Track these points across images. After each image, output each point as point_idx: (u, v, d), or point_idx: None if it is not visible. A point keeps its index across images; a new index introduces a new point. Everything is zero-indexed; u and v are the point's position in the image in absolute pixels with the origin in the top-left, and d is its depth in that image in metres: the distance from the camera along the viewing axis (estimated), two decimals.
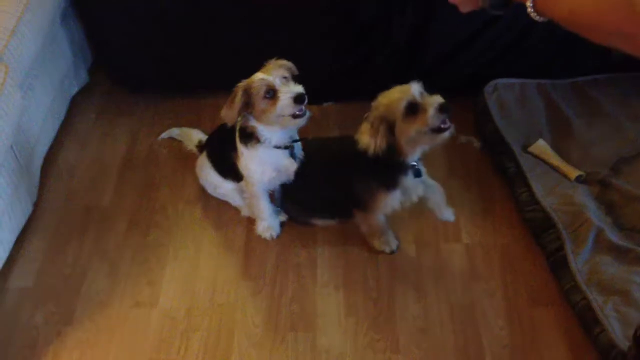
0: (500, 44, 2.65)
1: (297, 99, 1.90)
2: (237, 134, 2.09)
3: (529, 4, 1.17)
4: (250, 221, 2.33)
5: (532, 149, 2.43)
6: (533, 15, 1.18)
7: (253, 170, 2.10)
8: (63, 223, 2.36)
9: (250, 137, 2.03)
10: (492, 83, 2.69)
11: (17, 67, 2.18)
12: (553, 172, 2.36)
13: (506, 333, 1.98)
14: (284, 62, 2.00)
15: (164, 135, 2.63)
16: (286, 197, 2.28)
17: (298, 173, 2.13)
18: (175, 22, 2.59)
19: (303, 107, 1.93)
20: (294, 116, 1.94)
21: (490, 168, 2.50)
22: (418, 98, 1.85)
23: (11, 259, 2.20)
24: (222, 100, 2.79)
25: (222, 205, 2.37)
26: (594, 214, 2.16)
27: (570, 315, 2.00)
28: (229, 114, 1.96)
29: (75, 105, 2.79)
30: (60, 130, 2.65)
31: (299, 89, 1.93)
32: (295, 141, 2.09)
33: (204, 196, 2.42)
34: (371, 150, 1.86)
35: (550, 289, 2.09)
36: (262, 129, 2.00)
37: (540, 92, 2.69)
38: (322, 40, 2.66)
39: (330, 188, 2.16)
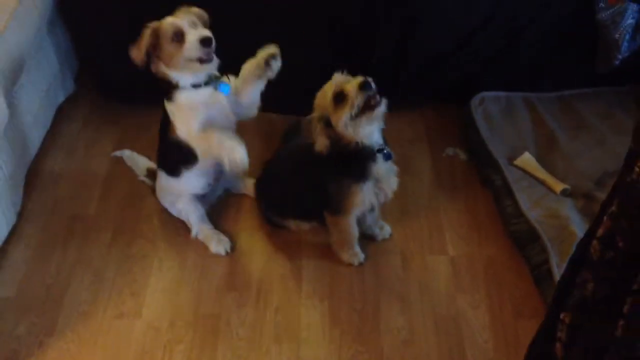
0: (486, 54, 2.67)
1: (204, 42, 1.92)
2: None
3: None
4: (235, 232, 2.32)
5: (517, 162, 2.44)
6: None
7: (186, 118, 2.05)
8: (47, 232, 2.34)
9: (168, 88, 2.03)
10: (479, 96, 2.71)
11: (2, 76, 2.17)
12: (538, 185, 2.37)
13: (491, 345, 1.98)
14: (195, 9, 2.03)
15: (117, 153, 2.58)
16: (261, 196, 2.33)
17: (271, 174, 2.26)
18: None
19: (211, 52, 1.95)
20: (201, 60, 1.96)
21: (476, 180, 2.51)
22: (341, 86, 1.89)
23: None
24: None
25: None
26: (579, 227, 2.16)
27: None
28: (136, 54, 1.97)
29: (61, 114, 2.78)
30: (45, 139, 2.63)
31: (206, 32, 1.95)
32: (217, 77, 2.07)
33: None
34: (320, 150, 1.93)
35: (534, 302, 2.09)
36: (174, 75, 2.01)
37: (526, 105, 2.71)
38: (305, 48, 2.65)
39: (303, 191, 2.17)
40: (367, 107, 1.89)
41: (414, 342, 1.99)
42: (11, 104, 2.26)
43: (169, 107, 2.08)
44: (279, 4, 2.53)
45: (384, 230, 2.30)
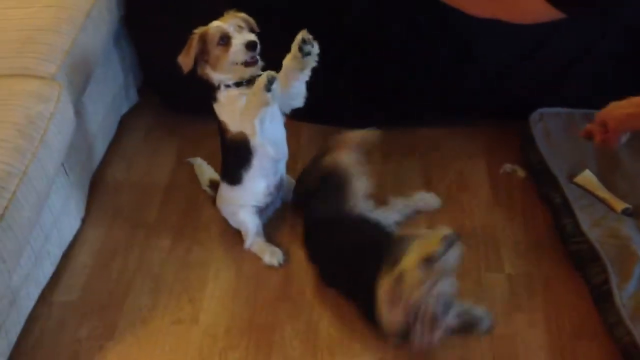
0: (547, 71, 2.64)
1: (249, 46, 2.00)
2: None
3: None
4: (289, 245, 2.35)
5: (578, 179, 2.40)
6: None
7: (232, 110, 2.13)
8: (109, 239, 2.41)
9: (213, 91, 2.13)
10: (538, 112, 2.67)
11: (71, 87, 2.25)
12: (599, 204, 2.32)
13: None
14: (242, 13, 2.11)
15: (190, 160, 2.66)
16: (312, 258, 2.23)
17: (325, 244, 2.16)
18: None
19: (256, 55, 2.03)
20: (246, 64, 2.04)
21: (535, 198, 2.47)
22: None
23: (57, 273, 2.25)
24: None
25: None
26: None
27: (614, 351, 1.95)
28: (185, 60, 2.07)
29: (124, 124, 2.86)
30: (109, 148, 2.71)
31: (252, 36, 2.03)
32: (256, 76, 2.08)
33: None
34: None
35: (593, 323, 2.05)
36: (218, 76, 2.10)
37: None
38: (362, 63, 2.67)
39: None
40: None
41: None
42: (78, 113, 2.34)
43: (216, 108, 2.17)
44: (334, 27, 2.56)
45: None
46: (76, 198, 2.36)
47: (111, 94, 2.70)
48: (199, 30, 2.06)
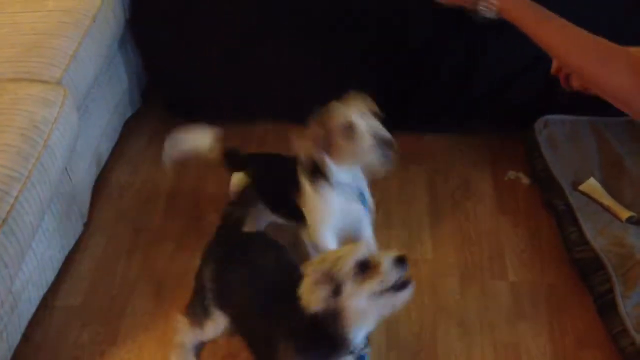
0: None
1: (383, 142, 1.77)
2: (301, 171, 1.94)
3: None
4: None
5: (582, 187, 2.39)
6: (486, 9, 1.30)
7: (320, 210, 1.92)
8: (112, 243, 2.41)
9: (317, 174, 1.87)
10: (543, 119, 2.67)
11: (76, 91, 2.25)
12: (604, 212, 2.31)
13: None
14: (365, 97, 1.87)
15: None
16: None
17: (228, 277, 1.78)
18: (232, 49, 2.65)
19: (389, 153, 1.78)
20: (377, 160, 1.80)
21: (539, 205, 2.47)
22: (368, 255, 1.48)
23: (60, 278, 2.24)
24: (271, 129, 2.84)
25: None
26: None
27: None
28: (303, 146, 1.84)
29: (128, 129, 2.86)
30: (113, 153, 2.71)
31: (385, 132, 1.78)
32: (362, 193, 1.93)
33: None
34: (306, 312, 1.46)
35: (597, 332, 2.04)
36: (333, 166, 1.85)
37: (592, 130, 2.65)
38: (370, 69, 2.67)
39: (258, 318, 1.69)
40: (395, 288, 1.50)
41: None
42: (82, 118, 2.34)
43: (309, 186, 1.92)
44: (341, 25, 2.56)
45: None
46: (79, 203, 2.35)
47: (116, 99, 2.70)
48: (320, 117, 1.83)
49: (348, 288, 1.43)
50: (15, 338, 1.96)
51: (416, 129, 2.84)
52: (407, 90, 2.73)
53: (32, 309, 2.06)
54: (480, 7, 1.34)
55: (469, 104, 2.75)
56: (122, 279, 2.28)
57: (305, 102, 2.80)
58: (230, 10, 2.54)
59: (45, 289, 2.13)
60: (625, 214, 2.28)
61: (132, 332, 2.10)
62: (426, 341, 2.04)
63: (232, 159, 2.22)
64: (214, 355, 2.04)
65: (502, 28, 2.47)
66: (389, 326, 2.08)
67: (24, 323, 2.01)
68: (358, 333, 1.50)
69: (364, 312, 1.46)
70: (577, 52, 1.16)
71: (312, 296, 1.43)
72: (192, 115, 2.91)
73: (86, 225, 2.43)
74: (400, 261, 1.46)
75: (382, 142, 1.76)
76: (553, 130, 2.64)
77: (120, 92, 2.73)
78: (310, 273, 1.45)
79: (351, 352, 1.52)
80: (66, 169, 2.21)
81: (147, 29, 2.71)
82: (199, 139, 2.21)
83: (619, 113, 2.66)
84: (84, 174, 2.40)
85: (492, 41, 2.52)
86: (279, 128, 2.85)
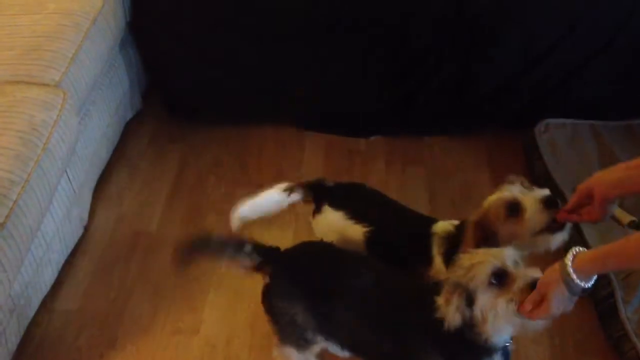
0: (551, 81, 2.63)
1: (548, 203, 1.58)
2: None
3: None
4: None
5: None
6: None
7: None
8: (111, 247, 2.40)
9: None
10: (543, 122, 2.66)
11: (76, 94, 2.25)
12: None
13: None
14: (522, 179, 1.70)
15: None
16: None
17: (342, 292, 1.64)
18: (232, 52, 2.64)
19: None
20: (551, 229, 1.61)
21: None
22: (509, 266, 1.42)
23: (59, 281, 2.24)
24: (271, 130, 2.83)
25: (269, 236, 2.37)
26: None
27: None
28: (468, 248, 1.55)
29: (128, 131, 2.86)
30: (113, 155, 2.71)
31: (545, 191, 1.62)
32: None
33: (250, 225, 2.44)
34: (445, 324, 1.42)
35: (598, 338, 2.03)
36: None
37: (592, 134, 2.65)
38: (371, 72, 2.67)
39: (381, 338, 1.62)
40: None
41: None
42: (82, 120, 2.34)
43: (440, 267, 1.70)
44: (337, 22, 2.56)
45: None
46: (79, 205, 2.35)
47: (116, 101, 2.69)
48: (476, 215, 1.66)
49: (481, 298, 1.40)
50: (14, 341, 1.95)
51: (416, 131, 2.84)
52: (408, 93, 2.73)
53: (31, 313, 2.06)
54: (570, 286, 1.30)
55: (468, 107, 2.75)
56: (120, 282, 2.27)
57: (306, 106, 2.84)
58: (231, 12, 2.54)
59: (44, 293, 2.13)
60: (627, 218, 2.25)
61: (130, 336, 2.10)
62: None
63: (319, 192, 1.97)
64: (213, 356, 2.04)
65: (500, 32, 2.51)
66: None
67: (23, 326, 2.00)
68: (499, 336, 1.46)
69: (500, 321, 1.41)
70: None
71: (448, 308, 1.40)
72: (192, 118, 2.93)
73: (86, 228, 2.42)
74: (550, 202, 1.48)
75: (547, 205, 1.59)
76: (554, 134, 2.63)
77: (120, 94, 2.72)
78: (446, 283, 1.42)
79: (496, 351, 1.49)
80: (66, 172, 2.20)
81: (148, 31, 2.70)
82: (272, 200, 1.96)
83: (620, 117, 2.69)
84: (84, 177, 2.39)
85: (491, 45, 2.52)
86: (280, 131, 2.85)
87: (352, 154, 2.78)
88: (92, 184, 2.50)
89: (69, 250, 2.29)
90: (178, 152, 2.80)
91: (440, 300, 1.42)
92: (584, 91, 2.66)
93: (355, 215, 1.86)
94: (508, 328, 1.45)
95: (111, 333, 2.11)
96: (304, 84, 2.74)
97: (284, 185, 1.94)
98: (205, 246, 1.70)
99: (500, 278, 1.39)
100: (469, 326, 1.42)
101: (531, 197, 1.60)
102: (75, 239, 2.33)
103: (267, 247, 1.74)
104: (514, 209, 1.60)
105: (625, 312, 1.99)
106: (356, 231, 1.85)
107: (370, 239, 1.83)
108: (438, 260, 1.72)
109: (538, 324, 1.42)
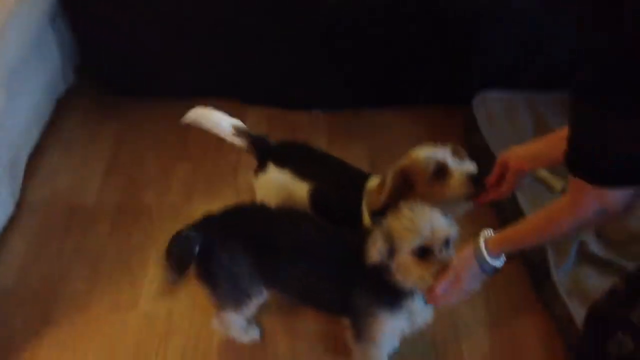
0: (490, 54, 2.68)
1: (474, 180, 1.65)
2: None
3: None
4: None
5: None
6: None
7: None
8: (45, 224, 2.34)
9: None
10: (481, 95, 2.70)
11: (2, 69, 2.17)
12: (538, 184, 2.36)
13: (487, 341, 1.98)
14: (460, 148, 1.77)
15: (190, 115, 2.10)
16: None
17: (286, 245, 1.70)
18: (169, 23, 2.59)
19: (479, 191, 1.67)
20: (468, 197, 1.68)
21: None
22: (436, 246, 1.50)
23: None
24: (211, 104, 2.78)
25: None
26: None
27: (551, 326, 2.00)
28: (379, 199, 1.68)
29: (61, 107, 2.78)
30: (45, 132, 2.63)
31: (474, 168, 1.68)
32: None
33: (189, 200, 2.42)
34: (366, 259, 1.53)
35: (531, 299, 2.09)
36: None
37: (528, 105, 2.71)
38: (313, 46, 2.66)
39: (319, 282, 1.71)
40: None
41: (410, 337, 1.98)
42: (10, 96, 2.26)
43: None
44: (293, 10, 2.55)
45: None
46: (10, 182, 2.28)
47: (47, 75, 2.60)
48: (401, 164, 1.69)
49: (401, 258, 1.50)
50: None
51: (358, 105, 2.86)
52: (350, 67, 2.73)
53: None
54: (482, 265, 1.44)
55: (411, 81, 2.78)
56: (56, 259, 2.22)
57: (249, 80, 2.81)
58: None
59: None
60: (559, 184, 2.33)
61: (68, 312, 2.06)
62: None
63: (260, 148, 2.00)
64: (153, 330, 2.01)
65: (444, 6, 2.53)
66: None
67: None
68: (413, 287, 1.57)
69: (411, 283, 1.54)
70: (541, 238, 1.37)
71: (372, 247, 1.51)
72: (128, 93, 2.86)
73: (18, 205, 2.35)
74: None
75: (472, 180, 1.66)
76: (490, 106, 2.67)
77: (52, 68, 2.64)
78: (378, 229, 1.52)
79: (417, 293, 1.61)
80: None
81: (79, 4, 2.62)
82: (221, 122, 2.03)
83: (555, 89, 2.76)
84: (16, 153, 2.32)
85: (432, 19, 2.54)
86: (222, 105, 2.80)
87: (295, 128, 2.77)
88: (24, 160, 2.42)
89: (1, 228, 2.22)
90: (115, 128, 2.75)
91: (369, 241, 1.52)
92: (528, 64, 2.72)
93: (301, 173, 1.90)
94: (419, 285, 1.55)
95: (47, 310, 2.06)
96: (246, 58, 2.71)
97: (238, 124, 1.99)
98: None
99: (423, 253, 1.49)
100: (386, 270, 1.54)
101: (460, 168, 1.66)
102: (8, 216, 2.26)
103: (200, 219, 1.74)
104: (441, 172, 1.65)
105: (558, 275, 2.05)
106: (302, 189, 1.88)
107: (314, 197, 1.87)
108: (366, 214, 1.78)
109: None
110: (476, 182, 1.65)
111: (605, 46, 1.01)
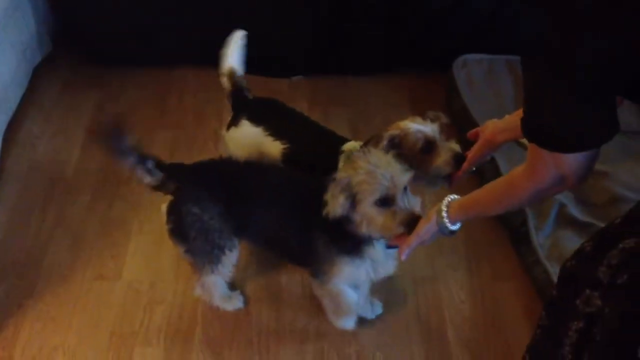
0: (472, 19, 2.66)
1: (458, 158, 1.68)
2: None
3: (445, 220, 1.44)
4: None
5: None
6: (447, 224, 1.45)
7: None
8: (25, 194, 2.32)
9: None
10: (462, 58, 2.70)
11: None
12: (518, 148, 2.37)
13: (468, 306, 2.01)
14: (440, 114, 1.80)
15: None
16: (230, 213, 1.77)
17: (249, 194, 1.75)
18: None
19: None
20: (447, 178, 1.72)
21: (457, 143, 2.49)
22: (398, 196, 1.54)
23: None
24: (192, 73, 2.77)
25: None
26: None
27: (532, 290, 2.03)
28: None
29: (40, 76, 2.74)
30: (23, 101, 2.59)
31: (459, 148, 1.71)
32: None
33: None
34: (326, 213, 1.55)
35: (512, 264, 2.12)
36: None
37: (509, 69, 2.70)
38: (293, 12, 2.63)
39: (284, 228, 1.76)
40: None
41: (392, 303, 2.01)
42: None
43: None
44: None
45: (374, 307, 1.99)
46: None
47: (23, 42, 2.55)
48: (391, 132, 1.69)
49: (364, 208, 1.53)
50: None
51: (339, 72, 2.84)
52: (331, 33, 2.70)
53: None
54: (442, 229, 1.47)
55: (392, 47, 2.76)
56: (37, 230, 2.21)
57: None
58: None
59: None
60: None
61: (51, 285, 2.05)
62: None
63: (237, 101, 2.02)
64: (137, 300, 2.02)
65: None
66: None
67: None
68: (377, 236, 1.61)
69: (373, 232, 1.57)
70: (500, 206, 1.36)
71: (332, 201, 1.53)
72: (107, 60, 2.82)
73: None
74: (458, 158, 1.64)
75: (456, 160, 1.68)
76: (471, 70, 2.67)
77: (27, 35, 2.58)
78: (337, 181, 1.54)
79: (377, 240, 1.64)
80: None
81: None
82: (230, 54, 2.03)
83: None
84: None
85: None
86: (201, 73, 2.79)
87: (275, 95, 2.69)
88: (1, 129, 2.39)
89: None
90: (94, 97, 2.72)
91: (327, 195, 1.54)
92: (500, 30, 2.70)
93: (275, 131, 1.92)
94: (380, 235, 1.60)
95: (29, 282, 2.05)
96: (226, 25, 2.67)
97: (235, 67, 2.01)
98: (116, 139, 1.65)
99: (386, 202, 1.52)
100: (348, 221, 1.57)
101: (448, 147, 1.70)
102: None
103: (170, 163, 1.75)
104: (430, 148, 1.68)
105: (538, 239, 2.07)
106: (275, 147, 1.91)
107: (287, 156, 1.90)
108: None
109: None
110: (459, 162, 1.68)
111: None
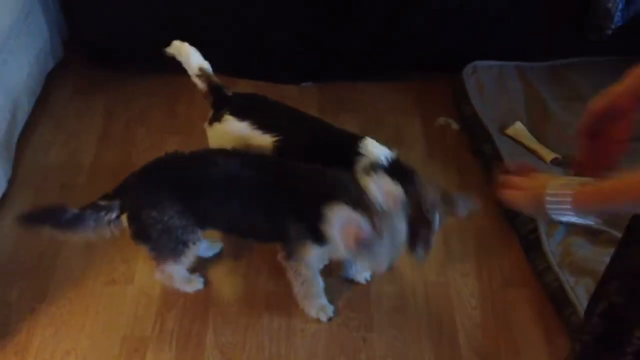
0: (478, 22, 2.67)
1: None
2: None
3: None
4: None
5: (509, 131, 2.44)
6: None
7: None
8: (38, 200, 2.33)
9: None
10: (471, 65, 2.70)
11: None
12: (529, 155, 2.38)
13: (479, 312, 2.01)
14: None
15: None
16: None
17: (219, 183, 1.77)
18: None
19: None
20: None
21: (468, 150, 2.52)
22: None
23: None
24: None
25: None
26: None
27: (543, 297, 2.03)
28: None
29: (51, 81, 2.75)
30: (36, 106, 2.61)
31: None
32: None
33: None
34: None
35: (523, 271, 2.12)
36: None
37: (518, 75, 2.71)
38: (302, 18, 2.65)
39: (247, 216, 1.79)
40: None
41: (404, 309, 2.01)
42: (0, 70, 2.24)
43: None
44: None
45: (363, 274, 2.08)
46: (2, 158, 2.26)
47: (36, 49, 2.57)
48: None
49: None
50: None
51: (347, 77, 2.85)
52: (339, 39, 2.71)
53: None
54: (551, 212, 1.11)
55: (399, 52, 2.76)
56: (49, 235, 2.20)
57: (238, 52, 2.78)
58: None
59: None
60: (550, 156, 2.35)
61: (63, 289, 2.06)
62: (358, 285, 2.08)
63: (218, 97, 2.03)
64: (148, 305, 2.02)
65: None
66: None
67: None
68: None
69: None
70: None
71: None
72: (117, 67, 2.84)
73: (10, 181, 2.34)
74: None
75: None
76: (481, 76, 2.68)
77: (40, 42, 2.60)
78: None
79: None
80: None
81: None
82: (191, 59, 2.03)
83: (545, 58, 2.76)
84: (6, 129, 2.30)
85: None
86: None
87: (285, 101, 2.73)
88: (15, 136, 2.41)
89: None
90: (104, 102, 2.73)
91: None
92: (509, 33, 2.71)
93: (262, 124, 1.94)
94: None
95: (42, 286, 2.07)
96: (234, 31, 2.69)
97: (205, 66, 2.02)
98: (60, 212, 1.73)
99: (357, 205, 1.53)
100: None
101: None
102: (0, 193, 2.25)
103: (115, 187, 1.80)
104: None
105: (549, 246, 2.07)
106: (264, 140, 1.93)
107: (280, 148, 1.91)
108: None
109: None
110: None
111: None
